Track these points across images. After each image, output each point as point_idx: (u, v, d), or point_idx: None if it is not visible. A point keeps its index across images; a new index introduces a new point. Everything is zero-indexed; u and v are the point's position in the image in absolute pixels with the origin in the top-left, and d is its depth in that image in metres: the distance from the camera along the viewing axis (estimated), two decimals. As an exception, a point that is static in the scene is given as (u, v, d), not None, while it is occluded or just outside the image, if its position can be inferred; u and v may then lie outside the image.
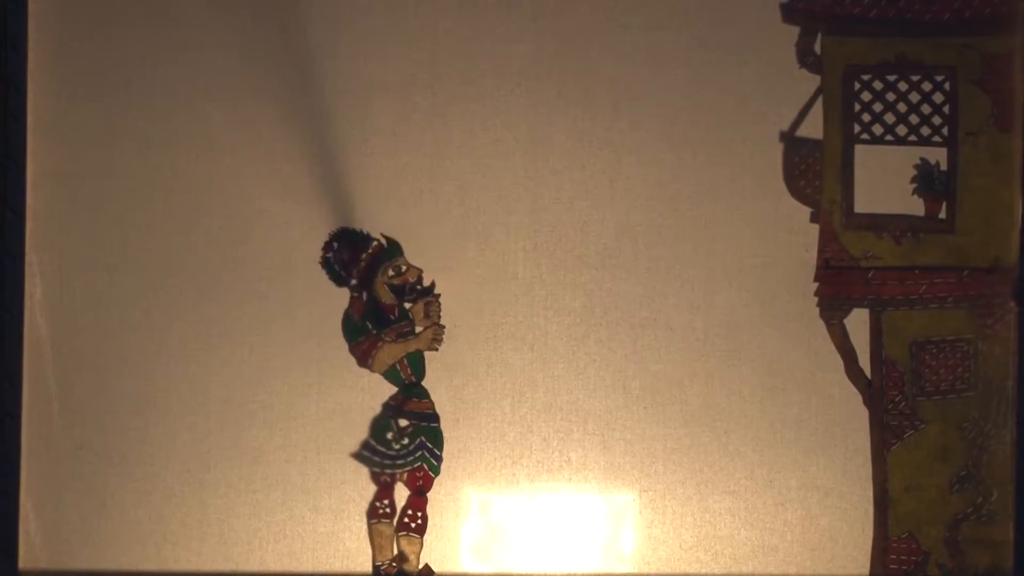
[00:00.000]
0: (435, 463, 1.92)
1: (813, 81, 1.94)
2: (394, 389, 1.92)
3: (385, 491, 1.92)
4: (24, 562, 1.92)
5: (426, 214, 1.92)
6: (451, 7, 1.93)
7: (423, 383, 1.92)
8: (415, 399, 1.92)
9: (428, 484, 1.92)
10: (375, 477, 1.92)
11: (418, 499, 1.92)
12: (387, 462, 1.91)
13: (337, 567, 1.93)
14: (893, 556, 1.93)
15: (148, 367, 1.93)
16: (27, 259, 1.92)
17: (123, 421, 1.93)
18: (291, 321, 1.92)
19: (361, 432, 1.92)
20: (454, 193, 1.92)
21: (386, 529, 1.92)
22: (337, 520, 1.93)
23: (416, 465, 1.91)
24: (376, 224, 1.91)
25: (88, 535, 1.93)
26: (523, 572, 1.93)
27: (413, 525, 1.92)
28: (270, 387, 1.93)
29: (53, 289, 1.93)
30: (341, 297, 1.92)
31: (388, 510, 1.92)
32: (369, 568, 1.92)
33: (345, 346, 1.92)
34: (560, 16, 1.92)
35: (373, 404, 1.92)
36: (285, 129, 1.92)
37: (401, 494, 1.93)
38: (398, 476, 1.92)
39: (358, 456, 1.92)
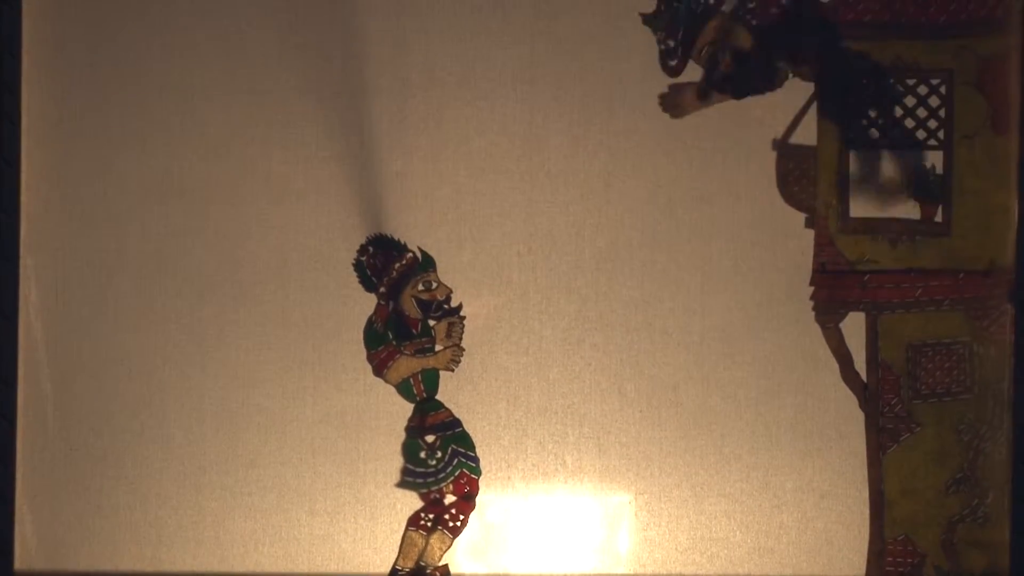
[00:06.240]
0: (473, 465, 1.91)
1: (808, 85, 1.93)
2: (406, 404, 1.92)
3: (434, 506, 1.92)
4: (20, 564, 1.92)
5: (421, 218, 1.92)
6: (447, 10, 1.92)
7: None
8: (432, 413, 1.91)
9: (475, 488, 1.92)
10: (423, 496, 1.92)
11: (465, 504, 1.91)
12: (430, 480, 1.91)
13: (333, 569, 1.93)
14: (889, 559, 1.92)
15: (144, 370, 1.93)
16: (22, 262, 1.92)
17: (119, 423, 1.93)
18: (287, 325, 1.92)
19: (356, 435, 1.92)
20: (449, 197, 1.92)
21: (419, 540, 1.91)
22: (333, 523, 1.93)
23: (457, 472, 1.91)
24: (370, 228, 1.91)
25: (84, 537, 1.93)
26: (519, 574, 1.93)
27: (451, 524, 1.91)
28: (266, 390, 1.93)
29: (48, 292, 1.93)
30: (337, 301, 1.92)
31: (429, 523, 1.91)
32: (364, 570, 1.92)
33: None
34: (556, 19, 1.92)
35: (369, 407, 1.92)
36: (280, 132, 1.92)
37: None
38: (444, 489, 1.91)
39: (402, 484, 1.91)
